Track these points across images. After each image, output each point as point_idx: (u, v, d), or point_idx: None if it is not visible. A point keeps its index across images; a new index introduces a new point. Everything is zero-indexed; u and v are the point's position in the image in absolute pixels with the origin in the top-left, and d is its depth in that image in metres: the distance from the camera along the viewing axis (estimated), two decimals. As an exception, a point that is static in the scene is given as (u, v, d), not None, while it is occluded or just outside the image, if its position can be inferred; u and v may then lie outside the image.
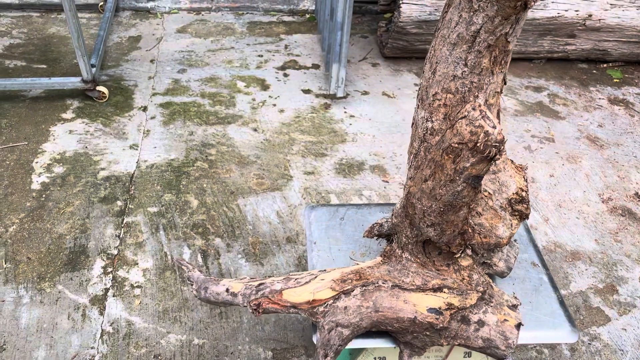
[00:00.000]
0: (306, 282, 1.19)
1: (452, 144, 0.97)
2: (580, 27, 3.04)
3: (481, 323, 1.16)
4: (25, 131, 2.53)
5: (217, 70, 3.03)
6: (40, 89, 2.70)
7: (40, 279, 1.94)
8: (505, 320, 1.18)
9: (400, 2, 2.85)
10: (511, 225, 1.23)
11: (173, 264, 2.02)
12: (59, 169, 2.37)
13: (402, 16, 2.86)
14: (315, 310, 1.16)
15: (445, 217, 1.07)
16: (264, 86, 2.95)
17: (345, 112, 2.80)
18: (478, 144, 0.94)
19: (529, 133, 2.78)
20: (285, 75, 3.04)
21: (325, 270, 1.23)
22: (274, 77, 3.01)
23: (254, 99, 2.85)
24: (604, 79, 3.20)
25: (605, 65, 3.31)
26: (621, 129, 2.83)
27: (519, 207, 1.21)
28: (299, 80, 3.01)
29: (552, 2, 2.95)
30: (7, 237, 2.07)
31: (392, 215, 1.22)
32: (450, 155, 0.99)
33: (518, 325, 1.18)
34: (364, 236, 1.30)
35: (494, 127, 0.95)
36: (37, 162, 2.39)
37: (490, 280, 1.24)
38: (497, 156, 0.96)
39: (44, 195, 2.25)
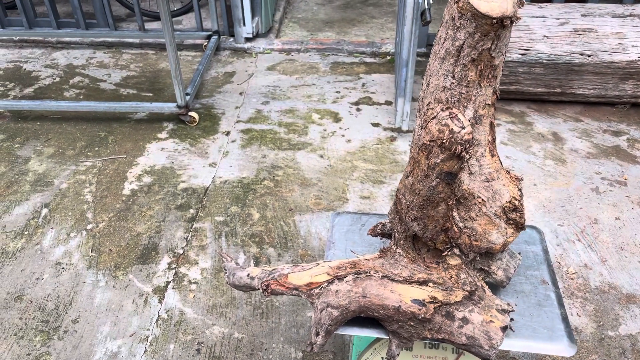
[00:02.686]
0: (309, 269, 1.34)
1: (425, 141, 1.09)
2: (665, 71, 2.93)
3: (465, 320, 1.22)
4: (126, 146, 2.95)
5: (296, 103, 3.31)
6: (143, 112, 3.14)
7: (116, 267, 2.25)
8: (491, 321, 1.23)
9: (471, 43, 2.96)
10: (506, 233, 1.29)
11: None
12: (147, 179, 2.72)
13: (471, 56, 2.96)
14: (312, 292, 1.29)
15: (425, 211, 1.17)
16: (337, 119, 3.17)
17: (409, 144, 2.92)
18: (444, 141, 1.05)
19: (599, 175, 2.70)
20: (358, 109, 3.24)
21: (330, 261, 1.37)
22: (347, 111, 3.23)
23: (325, 130, 3.08)
24: (695, 126, 3.03)
25: (699, 112, 3.13)
26: None
27: (513, 216, 1.28)
28: (370, 115, 3.19)
29: (632, 45, 2.89)
30: (97, 231, 2.42)
31: (389, 212, 1.33)
32: (424, 152, 1.10)
33: (504, 328, 1.22)
34: (367, 234, 1.42)
35: (463, 127, 1.06)
36: (130, 172, 2.77)
37: (484, 284, 1.30)
38: (464, 153, 1.06)
39: (131, 200, 2.60)
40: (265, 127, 3.10)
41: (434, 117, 1.07)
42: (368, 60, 3.76)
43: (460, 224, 1.26)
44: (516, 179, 1.31)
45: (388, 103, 3.29)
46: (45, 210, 2.54)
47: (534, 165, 2.78)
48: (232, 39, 3.88)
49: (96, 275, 2.21)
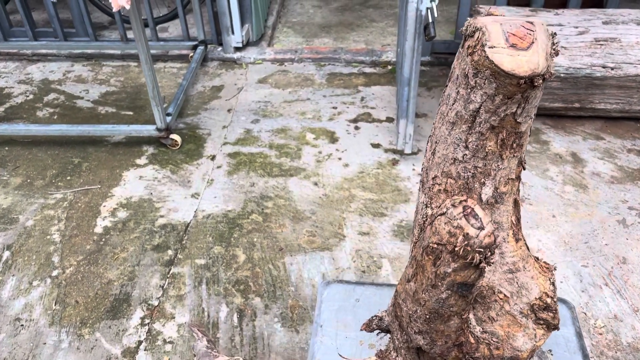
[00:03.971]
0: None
1: (431, 244, 0.82)
2: (697, 83, 2.63)
3: None
4: (101, 175, 2.68)
5: (289, 121, 3.03)
6: (120, 135, 2.87)
7: (82, 324, 1.99)
8: None
9: (480, 55, 2.67)
10: (535, 335, 1.02)
11: (199, 324, 1.98)
12: (122, 214, 2.46)
13: (480, 70, 2.67)
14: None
15: (433, 325, 0.90)
16: (333, 139, 2.89)
17: (413, 169, 2.65)
18: (457, 248, 0.78)
19: (626, 204, 2.42)
20: (357, 128, 2.96)
21: (313, 364, 1.10)
22: (344, 130, 2.95)
23: (320, 152, 2.80)
24: None
25: None
26: None
27: (543, 316, 1.00)
28: (370, 134, 2.91)
29: (661, 55, 2.59)
30: (62, 279, 2.16)
31: (386, 311, 1.06)
32: (430, 256, 0.83)
33: None
34: (361, 329, 1.14)
35: (481, 227, 0.78)
36: (104, 206, 2.51)
37: (507, 401, 1.03)
38: (483, 264, 0.78)
39: (103, 239, 2.34)
40: (254, 150, 2.82)
41: (443, 214, 0.80)
42: (367, 70, 3.47)
43: (478, 329, 0.99)
44: (547, 269, 1.04)
45: (389, 120, 3.01)
46: (6, 254, 2.28)
47: (552, 192, 2.50)
48: (220, 49, 3.60)
49: (59, 334, 1.96)
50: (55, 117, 3.10)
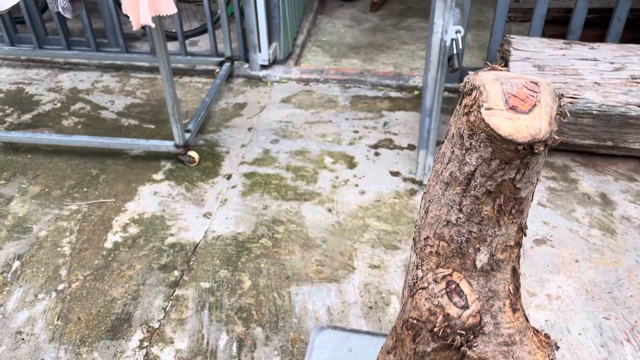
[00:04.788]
0: None
1: (411, 319, 0.75)
2: None
3: None
4: (117, 188, 2.69)
5: (308, 143, 2.99)
6: (138, 149, 2.87)
7: (81, 342, 1.97)
8: None
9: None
10: (530, 416, 0.93)
11: (205, 350, 1.94)
12: (133, 230, 2.45)
13: (507, 103, 2.57)
14: None
15: (412, 404, 0.83)
16: (351, 164, 2.83)
17: (431, 201, 2.56)
18: (436, 328, 0.71)
19: (655, 252, 2.28)
20: (377, 154, 2.90)
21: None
22: (363, 156, 2.88)
23: (337, 177, 2.74)
24: None
25: None
26: None
27: (540, 396, 0.92)
28: (390, 161, 2.84)
29: (702, 96, 2.44)
30: (67, 293, 2.16)
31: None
32: (410, 332, 0.76)
33: None
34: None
35: (465, 306, 0.71)
36: (116, 221, 2.50)
37: None
38: (465, 348, 0.71)
39: (112, 255, 2.33)
40: (271, 171, 2.79)
41: (424, 288, 0.73)
42: (393, 94, 3.41)
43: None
44: (547, 344, 0.95)
45: (411, 147, 2.93)
46: (16, 264, 2.29)
47: (577, 235, 2.38)
48: (247, 66, 3.59)
49: (57, 351, 1.94)
50: (80, 126, 3.14)
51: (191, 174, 2.78)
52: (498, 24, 3.12)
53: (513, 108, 0.75)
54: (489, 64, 0.85)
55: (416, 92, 3.41)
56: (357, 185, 2.69)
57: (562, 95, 0.78)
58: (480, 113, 0.75)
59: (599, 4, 4.41)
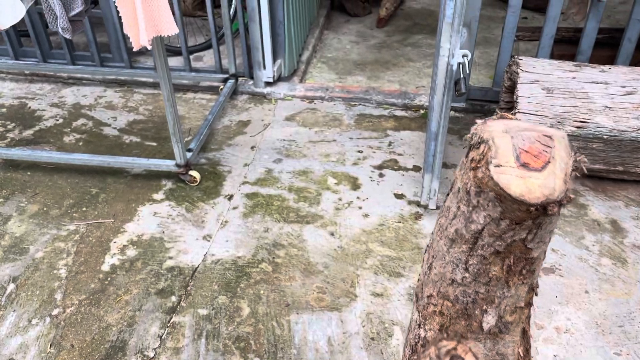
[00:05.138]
0: None
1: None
2: None
3: None
4: (116, 208, 2.64)
5: (312, 163, 2.93)
6: (139, 168, 2.83)
7: (74, 370, 1.92)
8: None
9: (516, 111, 2.52)
10: None
11: (201, 381, 1.88)
12: (131, 252, 2.40)
13: (515, 126, 2.51)
14: None
15: None
16: (355, 185, 2.77)
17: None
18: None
19: (668, 284, 2.20)
20: (381, 175, 2.84)
21: None
22: (367, 177, 2.83)
23: (340, 199, 2.69)
24: None
25: None
26: None
27: None
28: (394, 183, 2.78)
29: None
30: (62, 319, 2.11)
31: None
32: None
33: None
34: None
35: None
36: (115, 242, 2.46)
37: None
38: None
39: (109, 279, 2.28)
40: (273, 192, 2.74)
41: (426, 362, 0.68)
42: (398, 113, 3.36)
43: None
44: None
45: (416, 168, 2.87)
46: (11, 287, 2.24)
47: (586, 264, 2.31)
48: (251, 82, 3.55)
49: (49, 381, 1.89)
50: (81, 143, 3.11)
51: (192, 194, 2.73)
52: (506, 43, 3.07)
53: (525, 165, 0.69)
54: (498, 112, 0.80)
55: (422, 111, 3.36)
56: (360, 208, 2.63)
57: (578, 150, 0.72)
58: (489, 170, 0.69)
59: (608, 23, 4.36)
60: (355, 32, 4.49)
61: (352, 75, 3.83)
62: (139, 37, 2.20)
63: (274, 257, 2.37)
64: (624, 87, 2.48)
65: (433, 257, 0.84)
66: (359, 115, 3.35)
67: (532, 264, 0.78)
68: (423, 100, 3.39)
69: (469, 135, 0.76)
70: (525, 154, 0.70)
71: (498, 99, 3.03)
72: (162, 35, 2.27)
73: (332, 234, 2.49)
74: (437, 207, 2.56)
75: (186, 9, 4.40)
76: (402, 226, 2.52)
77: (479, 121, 0.78)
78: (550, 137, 0.71)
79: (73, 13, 2.46)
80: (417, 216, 2.57)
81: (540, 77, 2.57)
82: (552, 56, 3.17)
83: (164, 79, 2.42)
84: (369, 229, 2.52)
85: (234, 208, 2.65)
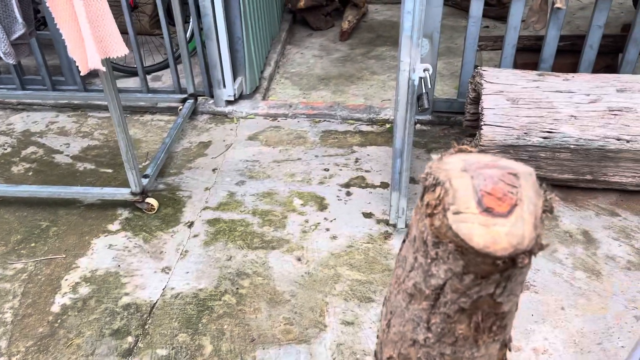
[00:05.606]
0: None
1: None
2: None
3: None
4: (68, 242, 2.48)
5: (276, 184, 2.82)
6: (93, 198, 2.68)
7: None
8: None
9: (482, 123, 2.46)
10: None
11: None
12: (84, 290, 2.24)
13: (483, 140, 2.45)
14: None
15: None
16: (322, 206, 2.67)
17: (407, 245, 2.40)
18: None
19: (644, 295, 2.15)
20: (348, 194, 2.74)
21: None
22: (335, 196, 2.73)
23: (306, 221, 2.58)
24: None
25: None
26: None
27: None
28: (362, 201, 2.69)
29: (682, 127, 2.35)
30: (6, 369, 1.94)
31: None
32: None
33: None
34: None
35: None
36: (66, 280, 2.29)
37: None
38: None
39: (59, 321, 2.11)
40: (236, 217, 2.61)
41: None
42: (364, 128, 3.27)
43: None
44: None
45: (384, 185, 2.78)
46: (-50, 336, 2.06)
47: (560, 278, 2.24)
48: (212, 101, 3.43)
49: None
50: (30, 173, 2.93)
51: (150, 223, 2.59)
52: (469, 54, 3.02)
53: (488, 210, 0.59)
54: (455, 145, 0.70)
55: (388, 126, 3.28)
56: (328, 230, 2.53)
57: (547, 186, 0.63)
58: (447, 219, 0.59)
59: (569, 30, 4.38)
60: (319, 45, 4.41)
61: (316, 91, 3.74)
62: (87, 59, 2.07)
63: (237, 288, 2.24)
64: (588, 95, 2.44)
65: (391, 313, 0.73)
66: (324, 131, 3.26)
67: (503, 318, 0.68)
68: (389, 114, 3.32)
69: (422, 175, 0.66)
70: (488, 197, 0.60)
71: (463, 110, 2.97)
72: (110, 57, 2.14)
73: (299, 259, 2.38)
74: (406, 226, 2.48)
75: (142, 27, 4.26)
76: (372, 247, 2.42)
77: (434, 157, 0.68)
78: (515, 174, 0.62)
79: (14, 37, 2.31)
80: (387, 235, 2.48)
81: (504, 87, 2.51)
82: (516, 65, 3.13)
83: (113, 103, 2.28)
84: (338, 251, 2.41)
85: (195, 236, 2.51)
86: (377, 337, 0.79)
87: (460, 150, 0.70)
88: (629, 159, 2.43)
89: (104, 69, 2.11)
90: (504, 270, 0.60)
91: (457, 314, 0.65)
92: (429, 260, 0.64)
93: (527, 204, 0.61)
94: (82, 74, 2.07)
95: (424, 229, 0.64)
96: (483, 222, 0.59)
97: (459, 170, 0.63)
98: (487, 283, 0.62)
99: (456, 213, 0.59)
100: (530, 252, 0.59)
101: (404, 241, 0.71)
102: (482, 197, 0.60)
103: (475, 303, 0.64)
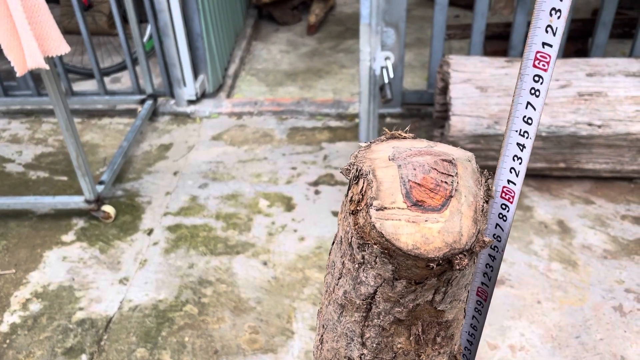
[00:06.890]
0: None
1: None
2: (696, 141, 2.33)
3: None
4: (19, 256, 2.33)
5: (241, 185, 2.70)
6: (45, 208, 2.53)
7: None
8: None
9: (450, 113, 2.37)
10: None
11: None
12: (35, 307, 2.10)
13: (451, 130, 2.36)
14: None
15: None
16: (289, 206, 2.55)
17: (378, 243, 2.30)
18: None
19: (622, 286, 2.08)
20: (317, 192, 2.63)
21: None
22: (303, 195, 2.61)
23: (273, 223, 2.46)
24: None
25: None
26: None
27: None
28: (331, 200, 2.58)
29: (654, 110, 2.29)
30: (-53, 396, 1.79)
31: None
32: None
33: None
34: None
35: None
36: (16, 297, 2.14)
37: None
38: None
39: (8, 341, 1.97)
40: (198, 222, 2.48)
41: None
42: (333, 124, 3.17)
43: None
44: None
45: (354, 182, 2.68)
46: None
47: (536, 271, 2.16)
48: (173, 102, 3.29)
49: None
50: (-20, 184, 2.77)
51: (107, 231, 2.45)
52: (436, 43, 2.93)
53: (418, 204, 0.49)
54: (386, 130, 0.59)
55: (357, 120, 3.18)
56: (295, 231, 2.42)
57: (490, 174, 0.53)
58: (370, 216, 0.48)
59: (538, 16, 4.32)
60: (286, 40, 4.29)
61: (283, 87, 3.62)
62: (24, 59, 1.93)
63: (200, 297, 2.12)
64: (557, 80, 2.37)
65: (323, 327, 0.62)
66: (291, 129, 3.14)
67: (449, 328, 0.58)
68: (357, 108, 3.22)
69: (344, 167, 0.55)
70: (418, 189, 0.49)
71: (433, 101, 2.88)
72: (51, 56, 2.00)
73: (265, 264, 2.26)
74: (377, 223, 2.38)
75: (100, 27, 4.10)
76: (341, 247, 2.31)
77: (362, 145, 0.57)
78: (451, 161, 0.51)
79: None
80: (357, 234, 2.37)
81: (472, 75, 2.43)
82: (485, 53, 3.06)
83: (59, 105, 2.14)
84: (306, 253, 2.30)
85: (155, 244, 2.38)
86: (313, 353, 0.68)
87: (393, 137, 0.59)
88: (602, 144, 2.36)
89: (46, 66, 1.97)
90: (441, 273, 0.50)
91: (393, 325, 0.55)
92: (357, 265, 0.53)
93: (466, 194, 0.50)
94: (18, 75, 1.93)
95: (348, 229, 0.53)
96: (412, 218, 0.48)
97: (385, 159, 0.52)
98: (424, 289, 0.51)
99: (380, 209, 0.48)
100: (470, 251, 0.49)
101: (333, 243, 0.60)
102: (411, 189, 0.49)
103: (412, 313, 0.54)
